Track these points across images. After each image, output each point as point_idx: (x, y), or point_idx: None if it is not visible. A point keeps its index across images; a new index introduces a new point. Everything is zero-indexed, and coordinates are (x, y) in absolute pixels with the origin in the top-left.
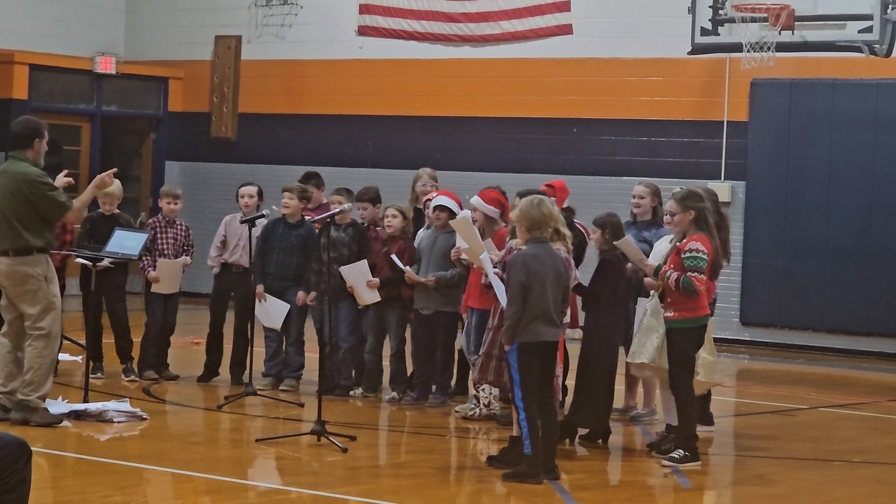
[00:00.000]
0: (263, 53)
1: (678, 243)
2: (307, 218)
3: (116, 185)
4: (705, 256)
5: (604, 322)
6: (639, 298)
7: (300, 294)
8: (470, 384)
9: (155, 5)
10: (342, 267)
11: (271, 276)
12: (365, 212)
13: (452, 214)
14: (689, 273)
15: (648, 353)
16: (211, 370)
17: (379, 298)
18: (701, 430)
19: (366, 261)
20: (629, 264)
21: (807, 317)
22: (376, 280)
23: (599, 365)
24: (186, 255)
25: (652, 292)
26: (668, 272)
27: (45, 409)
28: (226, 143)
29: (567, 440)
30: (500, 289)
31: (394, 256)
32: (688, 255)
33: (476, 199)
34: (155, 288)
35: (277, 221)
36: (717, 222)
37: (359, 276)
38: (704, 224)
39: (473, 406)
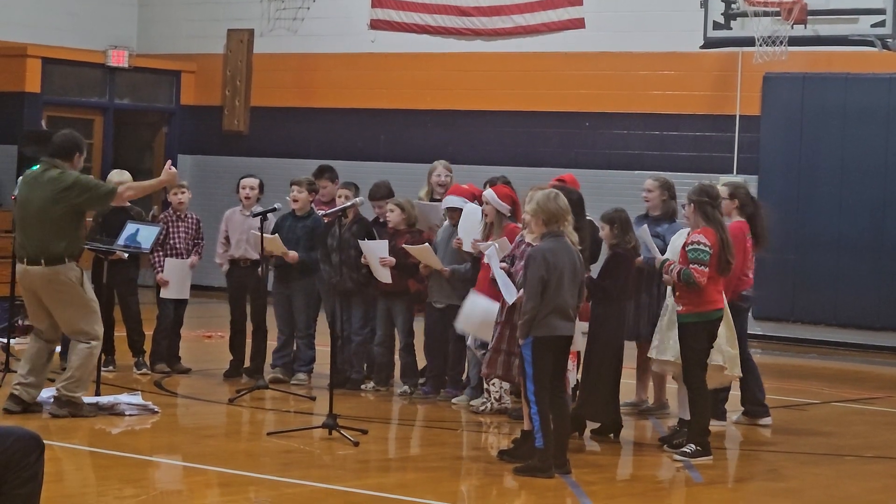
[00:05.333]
0: (276, 47)
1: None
2: (319, 212)
3: (128, 179)
4: (707, 249)
5: (610, 316)
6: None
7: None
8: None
9: None
10: (361, 241)
11: (278, 268)
12: (381, 209)
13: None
14: (690, 265)
15: (674, 351)
16: (237, 367)
17: (389, 280)
18: (713, 425)
19: (386, 242)
20: (639, 258)
21: (819, 311)
22: (390, 259)
23: (605, 358)
24: (195, 254)
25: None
26: (672, 265)
27: (87, 405)
28: (238, 137)
29: (576, 433)
30: (504, 283)
31: (427, 247)
32: (690, 247)
33: (489, 193)
34: (164, 293)
35: (286, 215)
36: (751, 213)
37: (375, 252)
38: (709, 217)
39: (485, 400)
